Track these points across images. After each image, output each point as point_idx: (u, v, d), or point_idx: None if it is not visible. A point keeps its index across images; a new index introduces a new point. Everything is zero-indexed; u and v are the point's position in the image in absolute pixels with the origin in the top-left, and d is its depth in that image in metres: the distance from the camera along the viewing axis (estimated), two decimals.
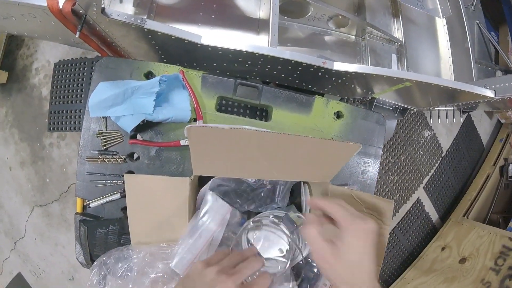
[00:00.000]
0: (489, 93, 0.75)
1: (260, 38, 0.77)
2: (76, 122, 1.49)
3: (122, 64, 0.65)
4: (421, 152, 1.80)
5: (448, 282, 1.43)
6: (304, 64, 0.61)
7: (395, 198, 1.75)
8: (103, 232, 0.61)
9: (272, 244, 0.53)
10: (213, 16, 0.80)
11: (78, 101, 1.49)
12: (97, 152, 0.65)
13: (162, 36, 0.59)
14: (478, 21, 1.16)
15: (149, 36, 0.61)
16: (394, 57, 0.95)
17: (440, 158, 1.83)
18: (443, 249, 1.61)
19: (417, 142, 1.79)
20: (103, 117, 0.65)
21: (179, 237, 0.52)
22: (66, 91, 1.49)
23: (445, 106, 1.07)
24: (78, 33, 0.61)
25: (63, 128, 1.51)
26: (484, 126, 1.96)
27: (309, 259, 0.54)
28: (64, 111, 1.49)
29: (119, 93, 0.60)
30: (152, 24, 0.57)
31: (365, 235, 0.42)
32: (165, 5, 0.82)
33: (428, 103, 0.92)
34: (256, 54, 0.59)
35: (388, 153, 1.73)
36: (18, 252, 1.64)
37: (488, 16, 1.27)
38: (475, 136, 1.93)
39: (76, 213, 0.64)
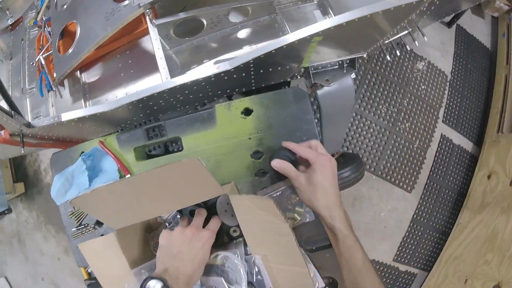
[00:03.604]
0: None
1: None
2: None
3: (63, 155, 0.75)
4: (423, 87, 1.63)
5: (506, 212, 1.25)
6: (201, 80, 0.60)
7: (415, 145, 1.59)
8: None
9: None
10: (132, 71, 0.84)
11: None
12: (75, 228, 0.76)
13: (80, 119, 0.65)
14: None
15: (73, 123, 0.66)
16: (318, 13, 0.88)
17: (448, 83, 1.64)
18: (489, 177, 1.42)
19: (414, 79, 1.63)
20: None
21: None
22: None
23: (408, 28, 0.93)
24: (22, 149, 0.70)
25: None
26: (479, 29, 1.72)
27: None
28: None
29: (64, 180, 0.70)
30: (65, 116, 0.64)
31: (330, 166, 0.53)
32: (93, 82, 0.88)
33: (373, 39, 0.82)
34: (155, 95, 0.60)
35: (387, 104, 1.58)
36: None
37: None
38: (474, 43, 1.71)
39: (85, 280, 0.76)
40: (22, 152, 0.71)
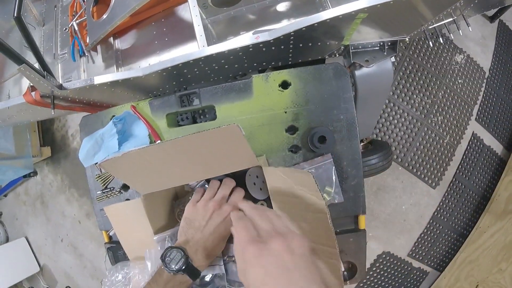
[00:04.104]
0: None
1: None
2: None
3: (93, 118, 0.76)
4: (460, 81, 1.54)
5: None
6: (238, 49, 0.58)
7: (445, 141, 1.53)
8: (122, 252, 0.72)
9: None
10: (166, 39, 0.82)
11: None
12: (101, 192, 0.76)
13: (113, 83, 0.64)
14: None
15: (105, 87, 0.67)
16: None
17: (485, 80, 1.54)
18: None
19: (451, 72, 1.54)
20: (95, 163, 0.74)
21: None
22: None
23: (451, 17, 0.88)
24: (52, 111, 0.71)
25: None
26: None
27: None
28: None
29: (94, 143, 0.70)
30: (98, 79, 0.64)
31: (262, 259, 0.37)
32: (126, 49, 0.88)
33: (417, 22, 0.78)
34: (190, 62, 0.59)
35: (421, 94, 1.52)
36: None
37: None
38: None
39: (105, 243, 0.77)
40: (53, 113, 0.72)
